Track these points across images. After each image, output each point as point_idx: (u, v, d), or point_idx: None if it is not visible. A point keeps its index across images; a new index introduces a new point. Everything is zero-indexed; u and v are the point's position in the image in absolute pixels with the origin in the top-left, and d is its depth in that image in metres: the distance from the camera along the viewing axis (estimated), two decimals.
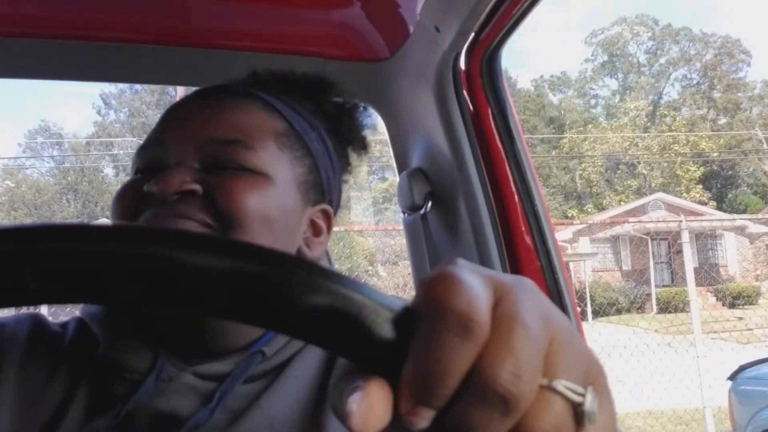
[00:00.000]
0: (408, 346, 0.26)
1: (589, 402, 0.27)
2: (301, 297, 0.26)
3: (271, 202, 0.60)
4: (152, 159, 0.61)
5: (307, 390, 0.60)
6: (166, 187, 0.57)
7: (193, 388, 0.57)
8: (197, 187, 0.58)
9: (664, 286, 19.00)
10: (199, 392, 0.57)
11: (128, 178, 0.63)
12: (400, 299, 0.30)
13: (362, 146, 0.81)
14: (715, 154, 31.24)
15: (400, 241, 16.22)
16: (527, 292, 0.28)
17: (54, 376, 0.59)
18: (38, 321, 0.64)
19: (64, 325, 0.65)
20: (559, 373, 0.26)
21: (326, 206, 0.70)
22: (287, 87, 0.76)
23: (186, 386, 0.56)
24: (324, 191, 0.70)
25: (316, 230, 0.69)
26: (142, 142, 0.65)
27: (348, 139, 0.79)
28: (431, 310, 0.26)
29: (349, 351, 0.27)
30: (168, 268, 0.26)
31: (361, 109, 0.82)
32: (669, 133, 30.20)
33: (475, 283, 0.27)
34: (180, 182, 0.57)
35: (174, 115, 0.65)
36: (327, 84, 0.80)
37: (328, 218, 0.71)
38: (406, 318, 0.27)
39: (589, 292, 15.58)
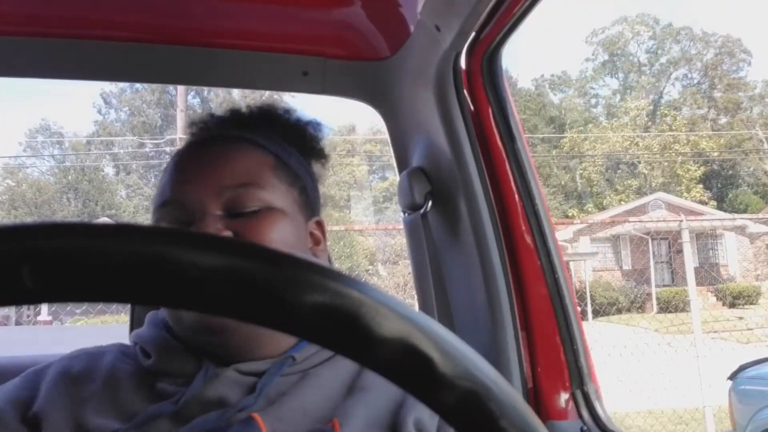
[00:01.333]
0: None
1: None
2: (300, 295, 0.26)
3: (289, 232, 0.70)
4: (174, 217, 0.68)
5: (336, 388, 0.68)
6: None
7: (236, 382, 0.65)
8: (229, 233, 0.65)
9: (664, 285, 18.98)
10: (242, 385, 0.65)
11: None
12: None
13: (323, 155, 0.88)
14: (715, 154, 31.20)
15: (401, 241, 16.23)
16: None
17: (92, 378, 0.67)
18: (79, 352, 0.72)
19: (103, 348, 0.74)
20: None
21: (318, 218, 0.81)
22: (260, 123, 0.82)
23: (230, 380, 0.65)
24: (312, 206, 0.80)
25: (315, 240, 0.79)
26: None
27: (312, 153, 0.86)
28: None
29: (348, 350, 0.27)
30: (166, 266, 0.26)
31: (311, 122, 0.89)
32: (669, 133, 30.15)
33: None
34: (214, 231, 0.64)
35: (183, 173, 0.70)
36: (275, 109, 0.86)
37: (322, 228, 0.81)
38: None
39: (590, 291, 15.55)
